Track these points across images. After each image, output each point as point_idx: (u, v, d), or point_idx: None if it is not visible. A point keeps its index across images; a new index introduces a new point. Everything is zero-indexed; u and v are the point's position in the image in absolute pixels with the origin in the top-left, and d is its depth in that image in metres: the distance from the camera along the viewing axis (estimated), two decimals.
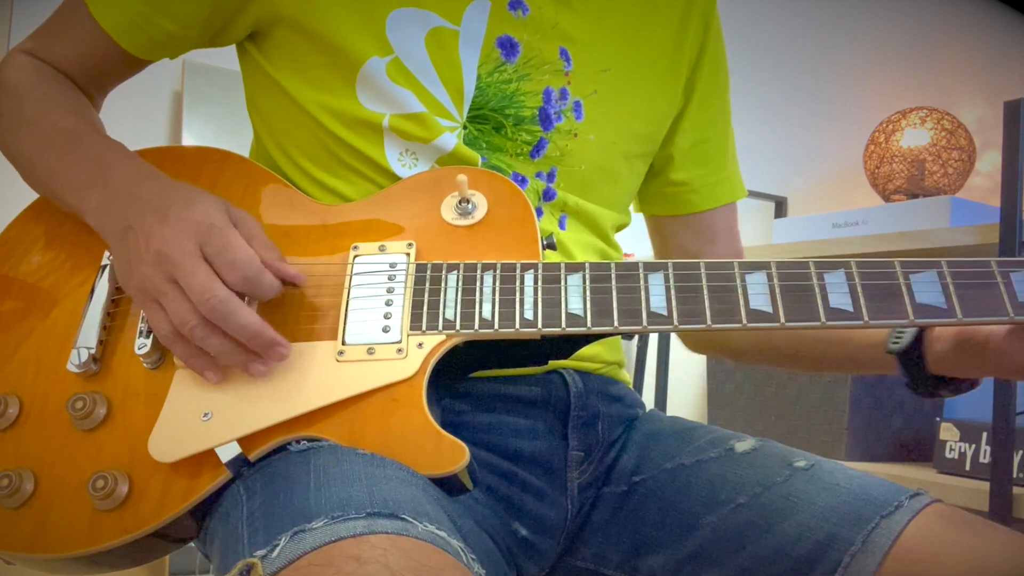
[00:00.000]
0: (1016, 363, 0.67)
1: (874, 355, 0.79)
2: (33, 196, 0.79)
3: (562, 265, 0.66)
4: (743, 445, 0.78)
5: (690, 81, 0.91)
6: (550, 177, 0.80)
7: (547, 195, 0.81)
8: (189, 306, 0.61)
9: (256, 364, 0.63)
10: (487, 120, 0.78)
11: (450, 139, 0.76)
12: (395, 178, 0.75)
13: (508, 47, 0.78)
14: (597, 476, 0.81)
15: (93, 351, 0.67)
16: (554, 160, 0.80)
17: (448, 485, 0.61)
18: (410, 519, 0.52)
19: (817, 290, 0.63)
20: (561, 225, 0.82)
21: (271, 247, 0.66)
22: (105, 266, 0.71)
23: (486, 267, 0.67)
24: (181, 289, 0.61)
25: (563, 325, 0.64)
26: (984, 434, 1.51)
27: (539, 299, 0.65)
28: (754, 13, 2.53)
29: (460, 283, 0.66)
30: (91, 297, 0.70)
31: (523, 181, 0.79)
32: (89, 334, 0.68)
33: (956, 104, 2.69)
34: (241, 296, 0.63)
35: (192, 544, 0.69)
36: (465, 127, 0.77)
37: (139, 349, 0.66)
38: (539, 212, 0.80)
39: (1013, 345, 0.67)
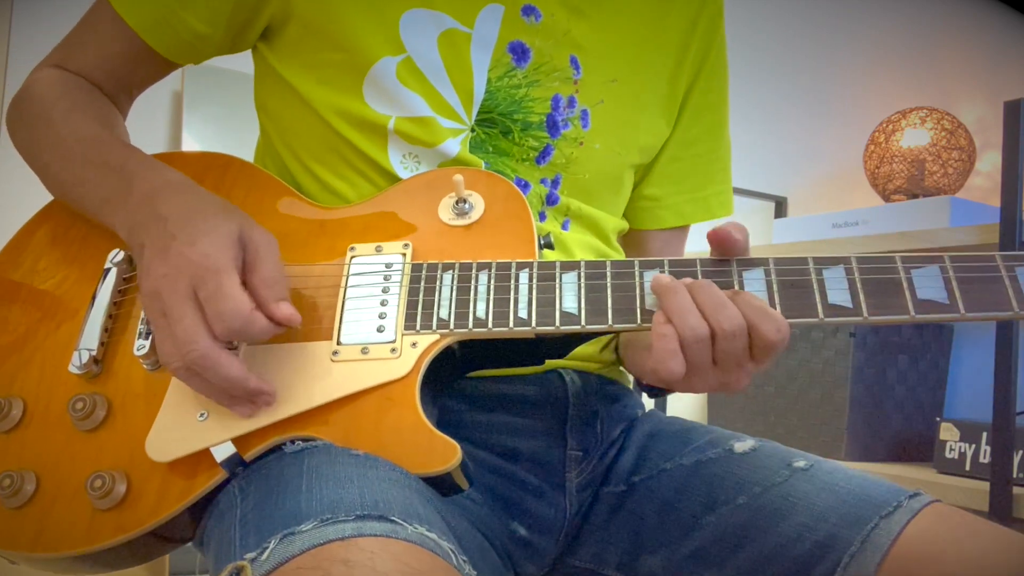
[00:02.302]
0: (646, 376, 0.68)
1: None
2: (40, 200, 0.79)
3: (557, 264, 0.66)
4: (742, 445, 0.78)
5: (684, 99, 0.90)
6: (554, 183, 0.81)
7: (550, 200, 0.81)
8: (174, 347, 0.60)
9: (240, 408, 0.62)
10: (495, 124, 0.78)
11: (454, 145, 0.76)
12: (397, 181, 0.76)
13: (519, 52, 0.78)
14: (596, 476, 0.81)
15: (94, 353, 0.67)
16: (559, 167, 0.80)
17: (442, 485, 0.61)
18: (400, 521, 0.52)
19: (815, 286, 0.62)
20: (564, 227, 0.82)
21: (275, 282, 0.62)
22: (108, 269, 0.71)
23: (481, 266, 0.66)
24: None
25: (557, 324, 0.63)
26: (984, 434, 1.51)
27: (533, 298, 0.64)
28: (754, 13, 2.53)
29: (455, 282, 0.66)
30: (93, 300, 0.70)
31: (526, 186, 0.79)
32: (91, 336, 0.68)
33: (956, 104, 2.69)
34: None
35: (191, 544, 0.69)
36: (473, 130, 0.77)
37: (138, 351, 0.66)
38: (542, 216, 0.80)
39: (642, 359, 0.68)
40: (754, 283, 0.63)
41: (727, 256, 0.65)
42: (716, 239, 0.65)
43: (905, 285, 0.62)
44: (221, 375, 0.59)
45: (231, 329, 0.59)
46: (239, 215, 0.65)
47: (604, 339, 0.85)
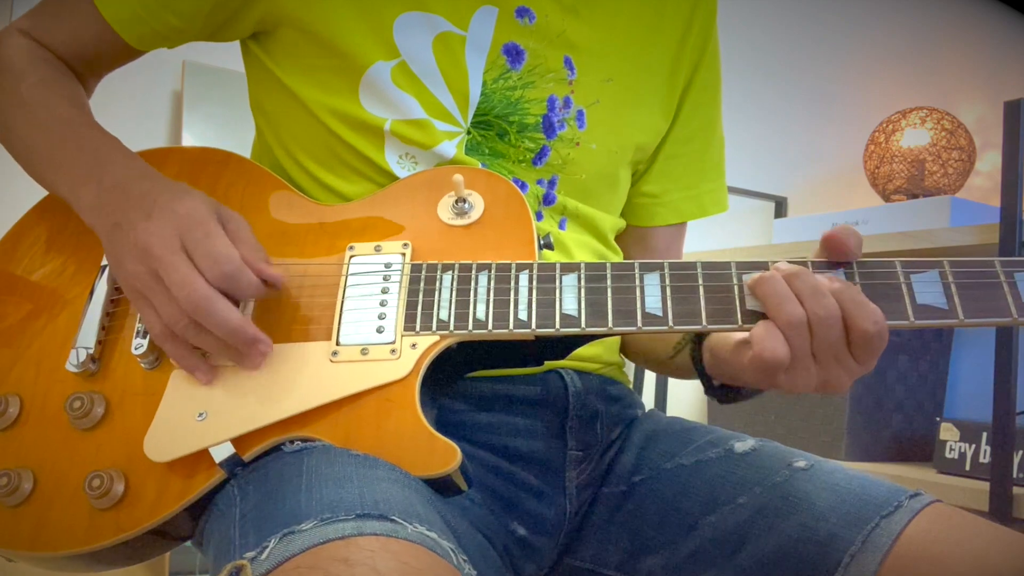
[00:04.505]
0: (744, 374, 0.64)
1: (682, 359, 0.78)
2: (35, 195, 0.79)
3: (557, 265, 0.66)
4: (743, 445, 0.78)
5: (682, 96, 0.91)
6: (551, 184, 0.80)
7: (547, 199, 0.80)
8: (177, 305, 0.61)
9: (245, 360, 0.63)
10: (491, 126, 0.78)
11: (450, 147, 0.76)
12: (395, 179, 0.76)
13: (514, 54, 0.78)
14: (596, 476, 0.81)
15: (92, 351, 0.67)
16: (556, 168, 0.80)
17: (442, 486, 0.61)
18: (400, 520, 0.52)
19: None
20: (561, 227, 0.82)
21: (256, 247, 0.66)
22: (105, 266, 0.71)
23: (481, 267, 0.66)
24: (167, 287, 0.61)
25: (557, 326, 0.63)
26: (984, 434, 1.51)
27: (533, 300, 0.64)
28: (754, 13, 2.52)
29: (455, 283, 0.66)
30: (90, 297, 0.70)
31: (523, 187, 0.79)
32: (88, 334, 0.68)
33: (956, 104, 2.69)
34: (233, 300, 0.63)
35: (190, 543, 0.69)
36: (469, 132, 0.77)
37: (136, 349, 0.66)
38: (539, 216, 0.80)
39: (737, 356, 0.64)
40: None
41: (836, 259, 0.63)
42: (830, 242, 0.63)
43: (904, 290, 0.62)
44: (218, 320, 0.60)
45: (224, 272, 0.61)
46: (208, 197, 0.67)
47: (611, 341, 0.84)
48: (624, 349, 0.94)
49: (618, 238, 0.93)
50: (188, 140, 1.83)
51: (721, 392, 0.74)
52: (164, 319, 0.62)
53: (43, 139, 0.74)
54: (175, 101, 1.86)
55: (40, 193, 0.79)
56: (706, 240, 2.21)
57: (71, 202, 0.71)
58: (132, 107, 1.76)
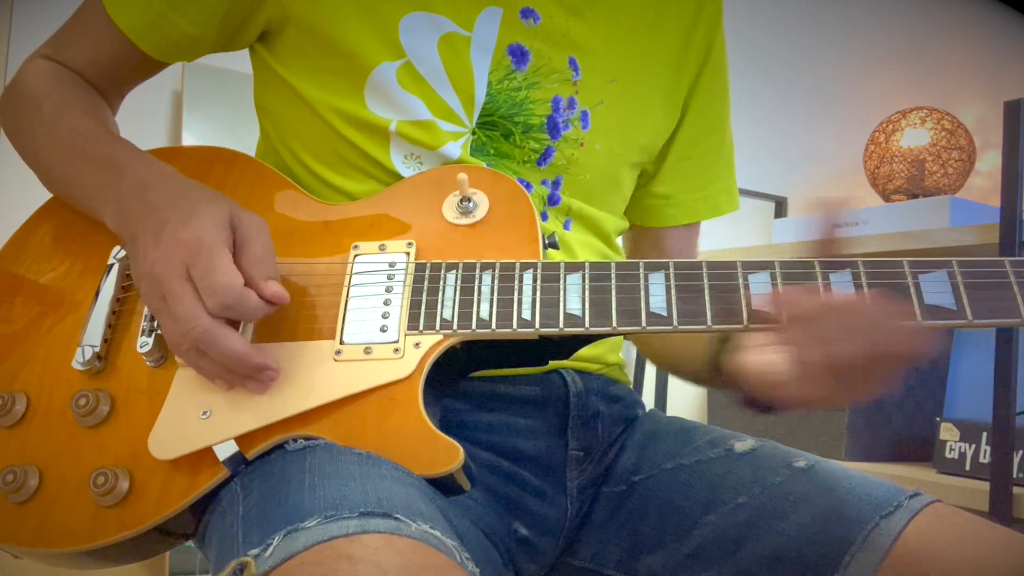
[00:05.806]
0: (785, 397, 0.63)
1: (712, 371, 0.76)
2: (40, 198, 0.79)
3: (561, 264, 0.66)
4: (743, 445, 0.78)
5: (688, 96, 0.91)
6: (555, 185, 0.81)
7: (552, 200, 0.81)
8: (178, 328, 0.61)
9: (250, 383, 0.63)
10: (496, 127, 0.78)
11: (455, 149, 0.76)
12: (400, 178, 0.76)
13: (519, 55, 0.78)
14: (596, 476, 0.81)
15: (97, 349, 0.68)
16: (560, 168, 0.80)
17: (444, 485, 0.61)
18: (403, 518, 0.52)
19: (821, 291, 0.62)
20: (566, 227, 0.82)
21: (264, 261, 0.63)
22: (112, 265, 0.72)
23: (485, 266, 0.66)
24: (172, 316, 0.61)
25: (561, 325, 0.63)
26: (984, 434, 1.51)
27: (537, 299, 0.64)
28: (754, 13, 2.53)
29: (459, 282, 0.66)
30: (97, 296, 0.70)
31: (528, 187, 0.79)
32: (94, 332, 0.68)
33: (956, 104, 2.69)
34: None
35: (191, 543, 0.69)
36: (474, 133, 0.77)
37: (141, 347, 0.67)
38: (544, 216, 0.80)
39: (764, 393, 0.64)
40: (760, 287, 0.63)
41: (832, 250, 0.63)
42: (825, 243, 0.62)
43: (912, 290, 0.61)
44: (224, 350, 0.60)
45: (224, 304, 0.60)
46: (228, 200, 0.66)
47: (612, 341, 0.85)
48: (655, 358, 0.94)
49: (633, 241, 0.94)
50: (188, 140, 1.83)
51: (759, 406, 0.72)
52: (167, 341, 0.63)
53: (62, 154, 0.74)
54: (175, 101, 1.86)
55: (44, 194, 0.79)
56: (706, 240, 2.21)
57: (94, 212, 0.71)
58: (132, 107, 1.76)
